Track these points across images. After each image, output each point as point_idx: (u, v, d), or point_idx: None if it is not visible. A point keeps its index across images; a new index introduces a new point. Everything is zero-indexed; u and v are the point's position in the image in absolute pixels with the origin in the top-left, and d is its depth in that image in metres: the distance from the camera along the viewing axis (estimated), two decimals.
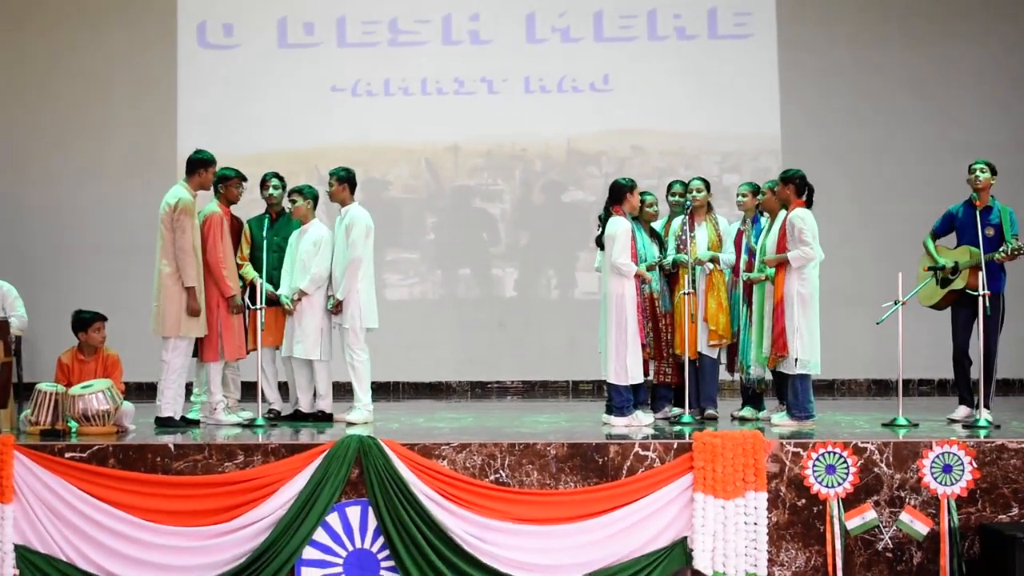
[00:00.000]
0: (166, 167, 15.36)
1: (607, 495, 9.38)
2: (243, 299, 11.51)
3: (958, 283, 11.12)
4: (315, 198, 11.75)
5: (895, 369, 10.97)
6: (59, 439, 10.06)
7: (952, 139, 15.31)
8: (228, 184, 11.48)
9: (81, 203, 16.15)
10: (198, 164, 11.17)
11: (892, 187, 15.63)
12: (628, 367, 10.90)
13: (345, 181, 11.59)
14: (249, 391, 11.94)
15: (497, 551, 9.31)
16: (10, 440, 9.58)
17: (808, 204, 10.87)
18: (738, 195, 11.71)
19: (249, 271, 11.73)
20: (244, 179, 11.61)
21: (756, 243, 11.29)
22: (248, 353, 11.68)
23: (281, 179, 12.13)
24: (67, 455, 9.60)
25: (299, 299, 11.53)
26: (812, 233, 10.68)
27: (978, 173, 11.13)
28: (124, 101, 16.22)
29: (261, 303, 11.29)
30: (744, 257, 11.40)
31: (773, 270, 10.88)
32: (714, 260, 11.46)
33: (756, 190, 11.62)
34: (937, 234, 11.47)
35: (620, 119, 16.07)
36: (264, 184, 12.06)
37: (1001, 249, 10.90)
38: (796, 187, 10.88)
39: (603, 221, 11.16)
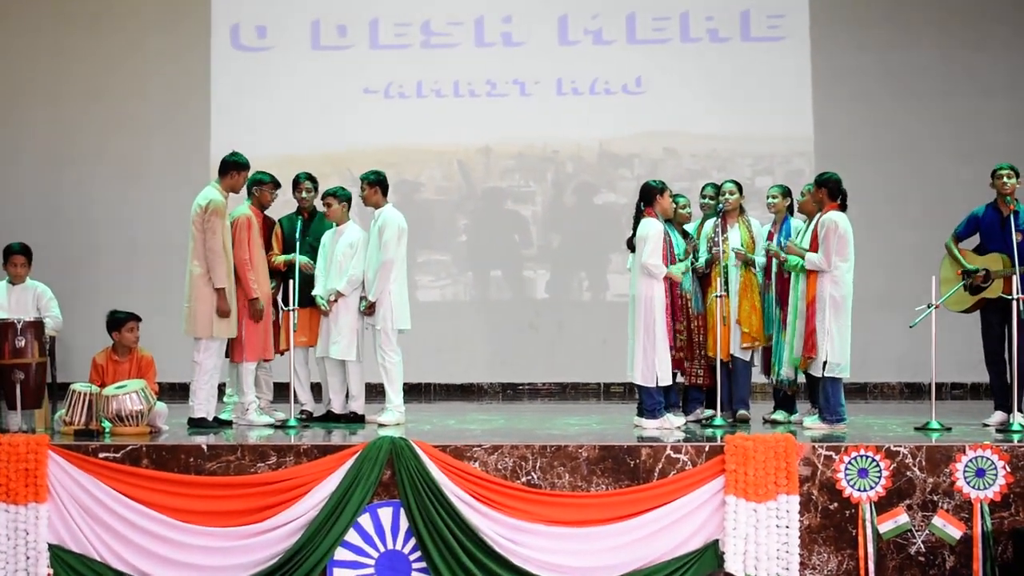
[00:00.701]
0: (200, 168, 15.41)
1: (639, 498, 9.38)
2: (276, 298, 11.55)
3: (991, 292, 11.08)
4: (348, 200, 11.78)
5: (928, 372, 10.93)
6: (93, 439, 10.12)
7: (983, 142, 15.22)
8: (263, 188, 11.53)
9: (116, 204, 16.21)
10: (231, 167, 11.21)
11: (925, 190, 15.56)
12: (657, 369, 10.89)
13: (376, 184, 11.62)
14: (282, 392, 11.96)
15: (528, 553, 9.32)
16: (45, 440, 9.64)
17: (843, 207, 10.85)
18: (768, 197, 11.69)
19: (280, 258, 11.75)
20: (278, 185, 11.67)
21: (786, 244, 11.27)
22: (281, 353, 11.72)
23: (314, 180, 12.16)
24: (101, 455, 9.65)
25: (335, 300, 11.56)
26: (843, 237, 10.65)
27: (1005, 179, 11.09)
28: (159, 103, 16.28)
29: (294, 304, 11.31)
30: (774, 261, 11.37)
31: (795, 259, 10.86)
32: (749, 262, 11.42)
33: (787, 192, 11.62)
34: (960, 237, 11.43)
35: (652, 121, 16.05)
36: (297, 185, 12.10)
37: None
38: (830, 190, 10.87)
39: (635, 223, 11.15)
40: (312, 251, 11.84)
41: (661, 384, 10.94)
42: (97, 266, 16.10)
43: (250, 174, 11.40)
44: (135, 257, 16.08)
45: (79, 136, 16.34)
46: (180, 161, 16.01)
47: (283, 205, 12.31)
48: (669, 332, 10.97)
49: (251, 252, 11.26)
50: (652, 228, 10.92)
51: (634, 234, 11.12)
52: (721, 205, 11.55)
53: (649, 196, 11.08)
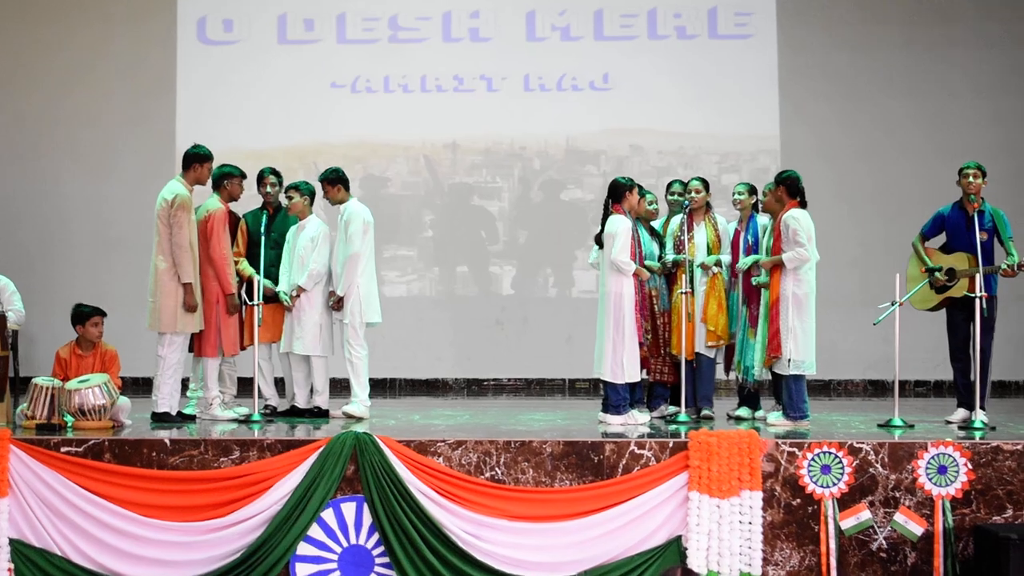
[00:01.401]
0: (166, 163, 15.35)
1: (602, 493, 9.39)
2: (240, 295, 11.52)
3: (956, 291, 11.13)
4: (312, 194, 11.76)
5: (891, 370, 10.97)
6: (55, 433, 10.05)
7: (947, 142, 15.31)
8: (232, 181, 11.47)
9: (82, 198, 16.15)
10: (194, 159, 11.17)
11: (890, 188, 15.64)
12: (625, 365, 10.90)
13: (337, 182, 11.60)
14: (245, 387, 11.93)
15: (492, 548, 9.32)
16: (6, 434, 9.57)
17: (802, 204, 10.88)
18: (734, 194, 11.70)
19: (246, 267, 11.72)
20: (245, 177, 11.62)
21: (752, 242, 11.30)
22: (244, 349, 11.69)
23: (278, 175, 12.13)
24: (63, 449, 9.60)
25: (298, 295, 11.54)
26: (807, 234, 10.70)
27: (971, 178, 11.14)
28: (124, 96, 16.22)
29: (258, 299, 11.29)
30: (741, 256, 11.40)
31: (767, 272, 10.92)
32: (717, 263, 11.45)
33: (753, 190, 11.65)
34: (926, 236, 11.48)
35: (619, 118, 16.07)
36: (261, 180, 12.06)
37: (1006, 263, 10.90)
38: (788, 188, 10.91)
39: (603, 219, 11.16)
40: (277, 247, 11.81)
41: (629, 380, 10.95)
42: (61, 260, 16.04)
43: (214, 166, 11.34)
44: (100, 251, 16.02)
45: (44, 130, 16.27)
46: (146, 155, 15.95)
47: (248, 200, 12.27)
48: (638, 329, 10.98)
49: (226, 247, 11.23)
50: (621, 225, 10.92)
51: (602, 230, 11.12)
52: (687, 202, 11.57)
53: (618, 193, 11.09)
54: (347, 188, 11.65)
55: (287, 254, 11.72)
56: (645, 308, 11.26)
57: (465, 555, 9.30)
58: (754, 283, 11.16)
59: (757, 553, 9.28)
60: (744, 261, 11.30)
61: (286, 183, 12.03)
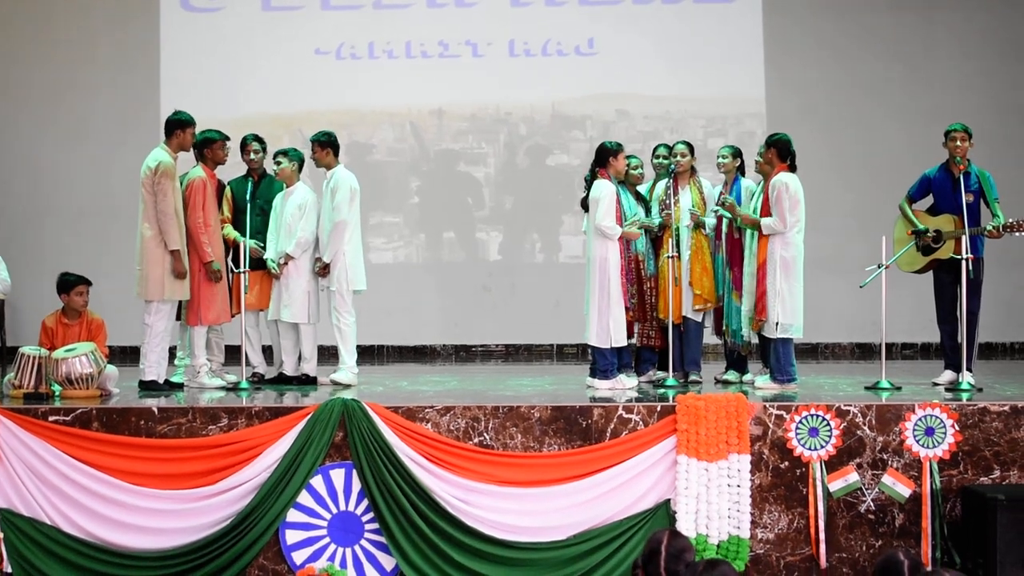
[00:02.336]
0: (149, 130, 15.21)
1: (591, 458, 9.42)
2: (227, 262, 11.50)
3: (942, 252, 11.13)
4: (300, 161, 11.72)
5: (879, 333, 10.99)
6: (42, 402, 10.04)
7: (934, 104, 15.26)
8: (213, 147, 11.43)
9: (66, 167, 16.06)
10: (176, 125, 11.12)
11: (877, 151, 15.61)
12: (611, 330, 10.91)
13: (327, 145, 11.56)
14: (233, 355, 11.92)
15: (481, 513, 9.34)
16: None
17: (792, 168, 10.87)
18: (719, 157, 11.66)
19: (232, 232, 11.68)
20: (227, 139, 11.57)
21: (739, 206, 11.31)
22: (232, 317, 11.67)
23: (261, 142, 12.07)
24: (50, 418, 9.60)
25: (285, 263, 11.51)
26: (793, 200, 10.68)
27: (958, 140, 11.12)
28: (107, 64, 16.11)
29: (245, 266, 11.27)
30: (726, 220, 11.39)
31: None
32: (700, 224, 11.42)
33: (737, 153, 11.62)
34: (913, 198, 11.47)
35: (605, 83, 16.01)
36: (244, 148, 12.00)
37: (991, 225, 10.90)
38: (779, 151, 10.89)
39: (588, 184, 11.15)
40: (263, 214, 11.78)
41: (615, 345, 10.96)
42: (47, 229, 15.96)
43: (197, 132, 11.29)
44: (86, 220, 15.94)
45: (25, 98, 16.16)
46: (130, 123, 15.85)
47: (232, 167, 12.23)
48: (624, 293, 10.97)
49: (206, 214, 11.20)
50: (605, 189, 10.92)
51: (587, 195, 11.11)
52: (673, 166, 11.55)
53: (603, 157, 11.08)
54: (336, 154, 11.62)
55: (274, 221, 11.68)
56: (631, 272, 11.26)
57: (454, 520, 9.32)
58: (716, 210, 11.14)
59: (745, 516, 9.32)
60: (720, 209, 11.25)
61: (271, 150, 11.98)
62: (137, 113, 15.85)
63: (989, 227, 10.91)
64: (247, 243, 11.38)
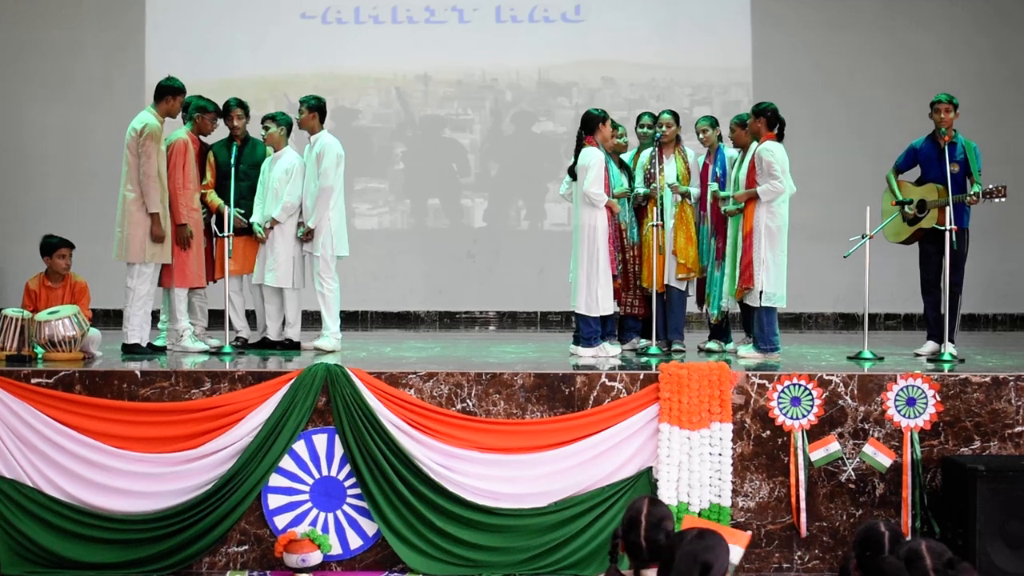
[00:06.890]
0: (133, 92, 15.25)
1: (573, 425, 9.42)
2: (211, 226, 11.47)
3: (926, 222, 11.14)
4: (288, 125, 11.67)
5: (862, 303, 11.02)
6: (25, 365, 10.01)
7: (920, 74, 15.31)
8: (204, 117, 11.45)
9: (50, 129, 16.02)
10: (167, 91, 11.09)
11: (863, 121, 15.64)
12: (598, 298, 10.90)
13: (316, 110, 11.52)
14: (217, 319, 11.90)
15: (463, 480, 9.35)
16: None
17: (780, 137, 10.86)
18: (698, 132, 11.59)
19: (215, 198, 11.65)
20: (220, 115, 11.57)
21: (720, 174, 11.30)
22: (215, 281, 11.64)
23: (245, 107, 11.98)
24: (33, 381, 9.57)
25: (271, 227, 11.48)
26: (782, 166, 10.68)
27: (943, 112, 11.12)
28: (91, 25, 16.06)
29: (229, 231, 11.24)
30: (711, 189, 11.39)
31: (743, 204, 10.90)
32: (685, 194, 11.41)
33: (715, 123, 11.61)
34: (900, 169, 11.48)
35: (591, 50, 16.02)
36: (228, 112, 11.90)
37: (972, 192, 10.91)
38: (768, 120, 10.86)
39: (576, 152, 11.12)
40: (247, 178, 11.73)
41: (602, 313, 10.96)
42: (31, 191, 15.92)
43: (187, 98, 11.28)
44: (71, 183, 15.91)
45: (7, 58, 16.10)
46: (116, 87, 15.82)
47: (215, 132, 12.18)
48: (612, 261, 10.97)
49: (185, 177, 11.18)
50: (594, 157, 10.89)
51: (575, 163, 11.08)
52: (658, 135, 11.54)
53: (591, 124, 11.05)
54: (323, 119, 11.56)
55: (260, 185, 11.64)
56: (616, 241, 11.25)
57: (436, 486, 9.33)
58: (723, 211, 11.17)
59: (727, 485, 9.34)
60: (720, 193, 11.26)
61: (256, 115, 11.93)
62: (121, 74, 15.84)
63: (969, 194, 10.91)
64: (231, 211, 11.34)
